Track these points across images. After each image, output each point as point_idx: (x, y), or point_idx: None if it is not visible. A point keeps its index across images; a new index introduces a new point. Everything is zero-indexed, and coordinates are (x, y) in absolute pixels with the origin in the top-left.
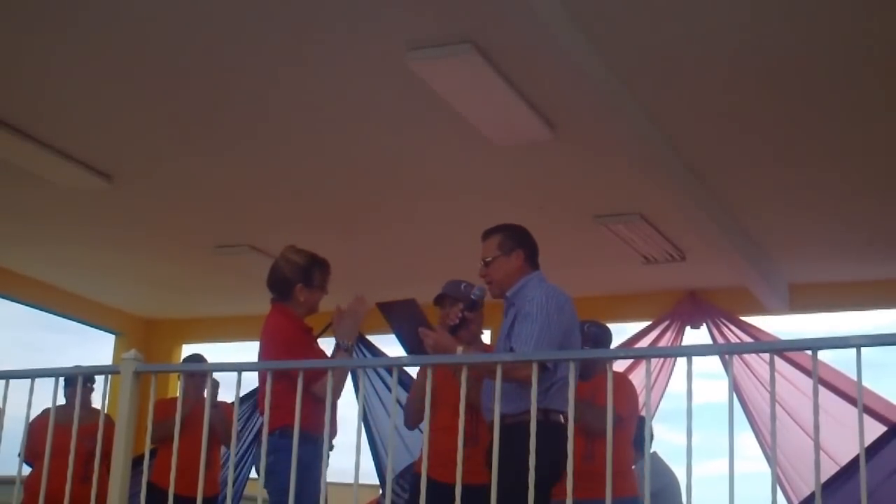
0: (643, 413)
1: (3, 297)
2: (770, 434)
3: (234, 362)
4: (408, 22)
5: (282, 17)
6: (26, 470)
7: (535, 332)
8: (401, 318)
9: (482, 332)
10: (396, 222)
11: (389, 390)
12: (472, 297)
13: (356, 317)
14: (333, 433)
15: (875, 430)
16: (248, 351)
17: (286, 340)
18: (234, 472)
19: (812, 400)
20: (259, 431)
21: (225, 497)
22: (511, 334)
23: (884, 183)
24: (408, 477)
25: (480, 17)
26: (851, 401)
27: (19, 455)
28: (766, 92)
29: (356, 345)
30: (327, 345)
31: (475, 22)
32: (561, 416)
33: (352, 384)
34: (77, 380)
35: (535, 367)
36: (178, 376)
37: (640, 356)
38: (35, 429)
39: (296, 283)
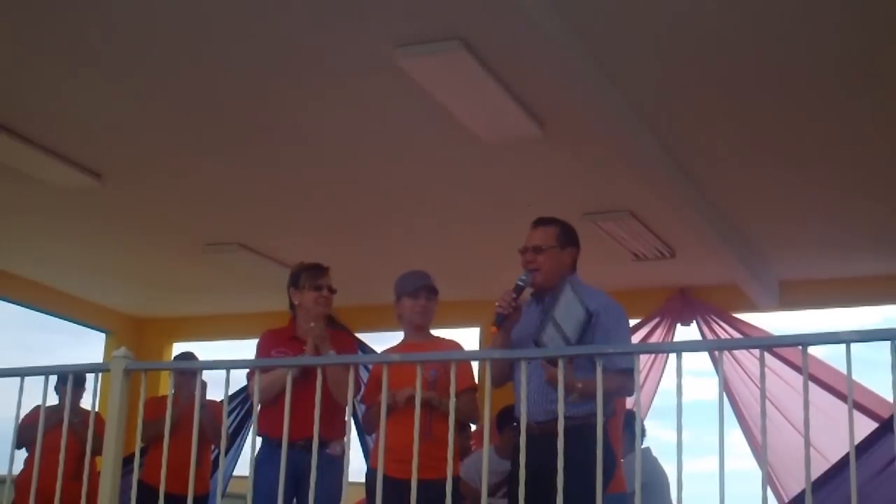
0: (632, 408)
1: None
2: (760, 431)
3: (222, 360)
4: (396, 18)
5: (270, 16)
6: (20, 459)
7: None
8: None
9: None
10: (383, 218)
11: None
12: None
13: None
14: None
15: (866, 426)
16: (238, 349)
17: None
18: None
19: (802, 396)
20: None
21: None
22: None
23: (874, 180)
24: None
25: (469, 14)
26: (842, 397)
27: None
28: (757, 90)
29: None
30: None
31: (463, 18)
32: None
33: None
34: (68, 378)
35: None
36: (170, 374)
37: (629, 352)
38: (28, 419)
39: (288, 288)
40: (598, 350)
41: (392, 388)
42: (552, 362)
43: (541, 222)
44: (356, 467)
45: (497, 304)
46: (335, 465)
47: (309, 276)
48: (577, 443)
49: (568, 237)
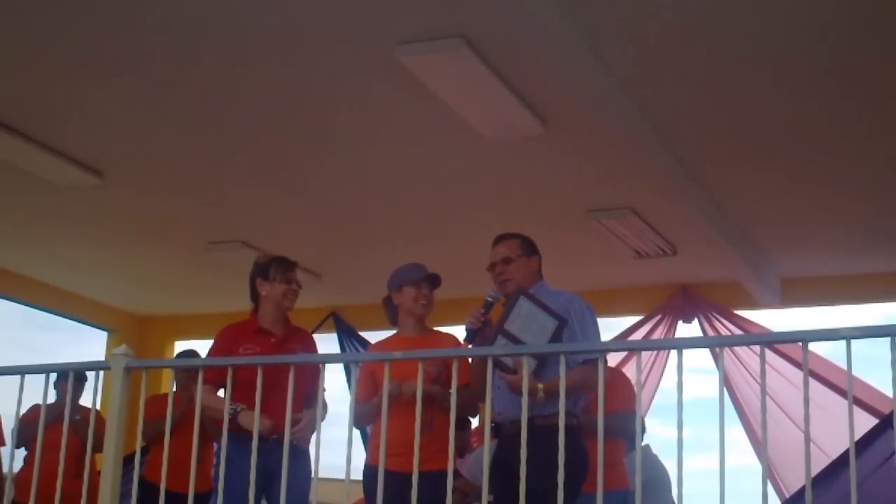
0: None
1: None
2: (760, 427)
3: (223, 358)
4: (398, 16)
5: (272, 16)
6: (20, 455)
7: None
8: None
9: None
10: (386, 215)
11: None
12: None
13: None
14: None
15: (866, 422)
16: None
17: (214, 344)
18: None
19: (802, 392)
20: None
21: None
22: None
23: (876, 178)
24: None
25: (471, 11)
26: (842, 393)
27: (11, 442)
28: (758, 88)
29: (349, 339)
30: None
31: (465, 15)
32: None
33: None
34: (68, 375)
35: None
36: (171, 372)
37: (630, 349)
38: (27, 418)
39: (255, 278)
40: (597, 346)
41: (395, 379)
42: (507, 371)
43: (502, 237)
44: (357, 464)
45: (467, 320)
46: (306, 460)
47: (280, 268)
48: (552, 441)
49: (530, 247)
